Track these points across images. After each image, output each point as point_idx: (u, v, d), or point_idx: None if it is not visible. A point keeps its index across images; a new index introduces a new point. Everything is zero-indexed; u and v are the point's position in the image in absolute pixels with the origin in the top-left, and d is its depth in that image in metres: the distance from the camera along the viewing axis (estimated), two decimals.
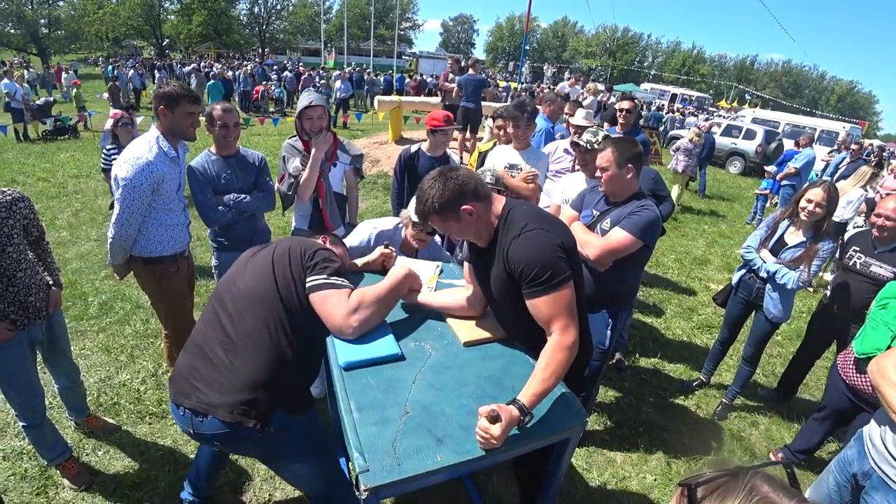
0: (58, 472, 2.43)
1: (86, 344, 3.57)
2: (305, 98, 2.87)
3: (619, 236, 2.31)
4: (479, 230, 1.66)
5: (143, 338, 3.69)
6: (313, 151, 2.85)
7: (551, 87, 7.00)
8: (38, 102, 11.50)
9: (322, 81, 20.25)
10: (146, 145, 2.39)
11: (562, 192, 3.08)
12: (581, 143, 2.89)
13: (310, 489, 1.85)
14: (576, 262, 1.63)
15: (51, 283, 2.29)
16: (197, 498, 2.18)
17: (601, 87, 11.30)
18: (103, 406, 2.97)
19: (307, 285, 1.67)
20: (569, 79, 12.03)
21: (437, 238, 2.77)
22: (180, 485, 2.42)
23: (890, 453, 1.75)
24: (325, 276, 1.68)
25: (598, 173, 2.43)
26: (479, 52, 71.07)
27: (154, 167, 2.34)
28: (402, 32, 57.53)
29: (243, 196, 2.86)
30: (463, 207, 1.58)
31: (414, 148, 3.53)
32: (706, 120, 17.95)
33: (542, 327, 1.55)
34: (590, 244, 2.37)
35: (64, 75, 17.04)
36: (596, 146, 2.78)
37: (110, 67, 20.44)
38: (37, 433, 2.32)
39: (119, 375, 3.25)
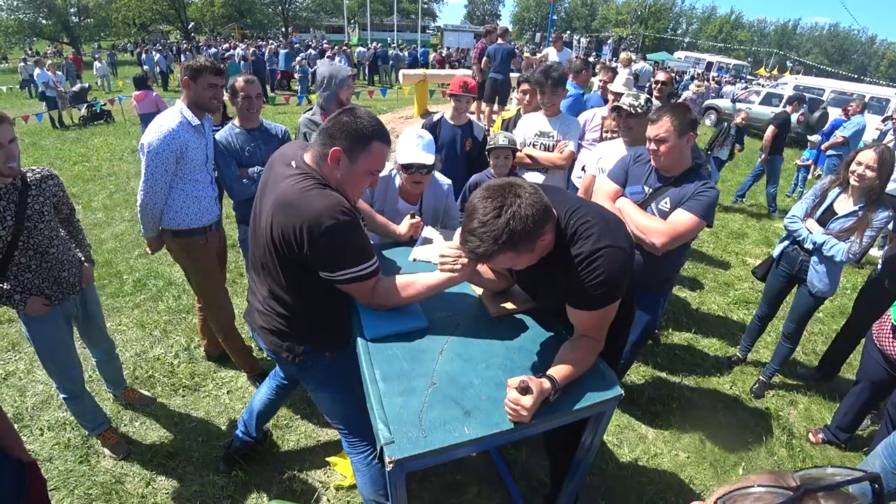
0: (98, 441, 2.53)
1: (122, 320, 3.67)
2: (324, 71, 2.81)
3: (686, 220, 2.12)
4: (542, 252, 1.40)
5: (175, 313, 3.78)
6: None
7: (580, 56, 6.44)
8: (73, 89, 11.78)
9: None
10: (170, 116, 2.45)
11: (598, 160, 2.90)
12: (624, 106, 2.67)
13: (334, 422, 1.97)
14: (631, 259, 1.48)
15: (83, 259, 2.33)
16: (246, 437, 2.36)
17: (634, 56, 10.60)
18: (139, 379, 3.05)
19: (323, 276, 1.53)
20: (552, 42, 9.45)
21: (442, 176, 2.58)
22: (214, 455, 2.50)
23: None
24: (342, 273, 1.51)
25: (651, 145, 2.21)
26: (505, 24, 69.27)
27: (176, 134, 2.39)
28: (426, 6, 56.54)
29: None
30: (541, 237, 1.31)
31: (436, 117, 3.44)
32: (744, 89, 17.11)
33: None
34: (655, 230, 2.17)
35: (98, 64, 17.40)
36: (639, 109, 2.62)
37: (138, 52, 20.71)
38: (77, 404, 2.41)
39: (153, 350, 3.35)
